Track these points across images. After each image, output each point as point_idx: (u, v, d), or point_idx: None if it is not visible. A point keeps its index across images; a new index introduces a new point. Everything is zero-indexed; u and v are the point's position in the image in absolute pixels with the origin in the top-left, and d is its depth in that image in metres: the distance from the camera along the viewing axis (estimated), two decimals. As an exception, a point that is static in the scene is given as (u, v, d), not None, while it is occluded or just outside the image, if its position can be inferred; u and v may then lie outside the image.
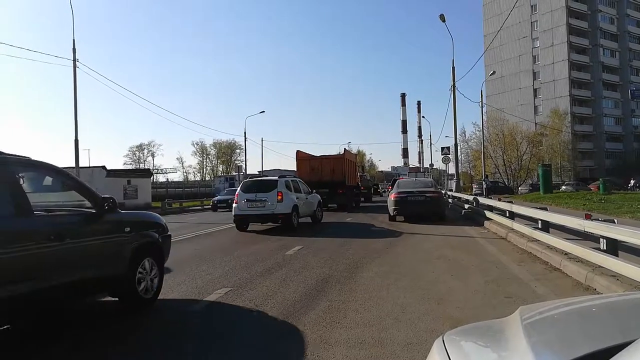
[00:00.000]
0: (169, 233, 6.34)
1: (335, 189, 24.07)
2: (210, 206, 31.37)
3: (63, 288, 4.45)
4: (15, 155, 4.48)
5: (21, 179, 4.40)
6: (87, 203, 5.00)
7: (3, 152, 4.31)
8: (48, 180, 5.12)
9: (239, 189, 15.72)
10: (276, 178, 15.57)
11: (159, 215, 6.48)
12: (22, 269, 3.95)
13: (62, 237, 4.33)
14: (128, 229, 5.38)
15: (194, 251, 10.49)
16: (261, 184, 15.38)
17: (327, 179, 24.18)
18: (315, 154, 27.66)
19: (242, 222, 14.90)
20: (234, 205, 15.02)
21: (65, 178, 5.10)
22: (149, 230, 5.84)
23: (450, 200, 25.84)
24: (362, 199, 31.37)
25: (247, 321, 5.07)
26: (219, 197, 31.21)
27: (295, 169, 26.24)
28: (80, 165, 25.61)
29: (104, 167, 32.82)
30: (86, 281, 4.77)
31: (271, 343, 4.32)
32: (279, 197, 14.37)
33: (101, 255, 4.96)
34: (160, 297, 5.82)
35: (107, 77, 48.54)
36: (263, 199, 14.41)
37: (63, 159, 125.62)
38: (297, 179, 17.92)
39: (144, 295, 5.48)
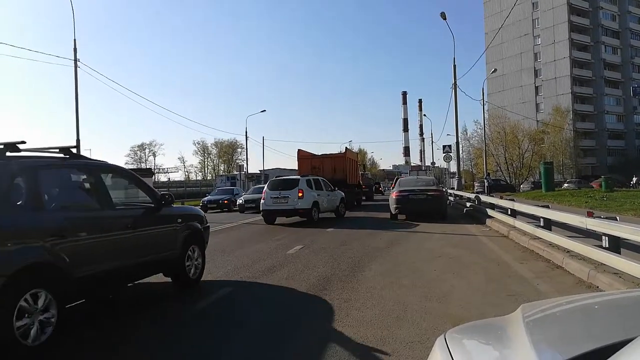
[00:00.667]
0: (208, 224, 7.38)
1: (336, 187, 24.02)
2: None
3: (135, 267, 5.54)
4: (98, 160, 5.89)
5: (104, 180, 5.44)
6: (148, 198, 6.11)
7: (88, 158, 5.70)
8: (121, 180, 6.31)
9: (265, 187, 17.45)
10: (298, 177, 17.23)
11: (200, 209, 7.54)
12: (108, 251, 5.02)
13: (135, 226, 5.46)
14: (180, 220, 6.50)
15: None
16: (285, 183, 16.83)
17: (329, 178, 24.16)
18: (316, 153, 27.69)
19: (269, 216, 16.74)
20: (261, 201, 16.84)
21: (132, 178, 6.34)
22: (194, 221, 6.89)
23: (451, 198, 25.82)
24: (364, 197, 31.42)
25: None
26: (209, 197, 30.69)
27: (297, 168, 26.22)
28: (82, 165, 25.66)
29: (105, 167, 32.79)
30: (151, 262, 5.85)
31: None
32: (300, 194, 16.03)
33: (161, 241, 6.07)
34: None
35: (108, 77, 48.92)
36: (286, 195, 16.10)
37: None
38: (320, 178, 18.93)
39: (191, 276, 6.60)
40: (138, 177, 6.50)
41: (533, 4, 75.33)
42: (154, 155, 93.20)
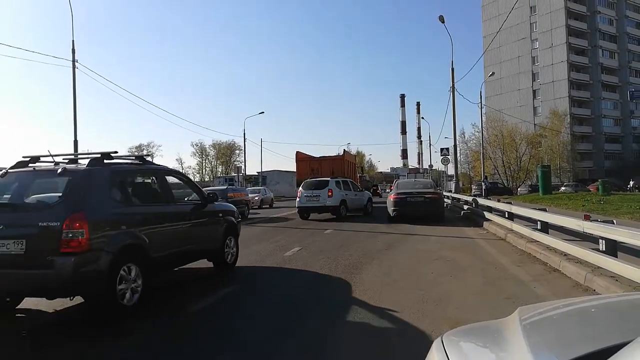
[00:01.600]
0: (240, 219, 8.82)
1: None
2: None
3: (189, 252, 6.84)
4: (161, 165, 7.64)
5: (159, 178, 6.69)
6: (197, 196, 7.36)
7: (154, 163, 7.19)
8: (177, 181, 7.54)
9: (300, 187, 19.80)
10: (329, 179, 19.50)
11: (233, 206, 8.89)
12: (172, 238, 6.28)
13: (190, 218, 6.78)
14: (220, 214, 7.83)
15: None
16: (317, 183, 19.20)
17: None
18: (314, 155, 27.87)
19: (303, 212, 19.28)
20: (297, 199, 19.56)
21: (186, 179, 7.91)
22: (231, 216, 8.21)
23: (448, 200, 25.86)
24: None
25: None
26: None
27: (295, 170, 26.33)
28: (80, 166, 25.57)
29: (103, 168, 32.77)
30: (200, 249, 7.14)
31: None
32: (329, 194, 18.50)
33: (208, 231, 7.37)
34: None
35: (106, 78, 48.77)
36: (318, 194, 18.58)
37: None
38: (348, 180, 21.13)
39: (229, 261, 7.98)
40: (189, 178, 8.12)
41: (531, 7, 75.59)
42: (152, 156, 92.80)
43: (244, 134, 51.46)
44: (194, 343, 4.44)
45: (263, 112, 55.02)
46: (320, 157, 27.58)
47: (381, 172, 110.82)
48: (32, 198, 5.51)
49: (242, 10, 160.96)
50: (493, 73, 54.09)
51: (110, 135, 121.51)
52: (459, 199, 23.99)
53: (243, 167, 54.49)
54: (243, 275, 7.84)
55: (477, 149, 55.85)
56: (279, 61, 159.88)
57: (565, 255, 7.32)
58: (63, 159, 6.13)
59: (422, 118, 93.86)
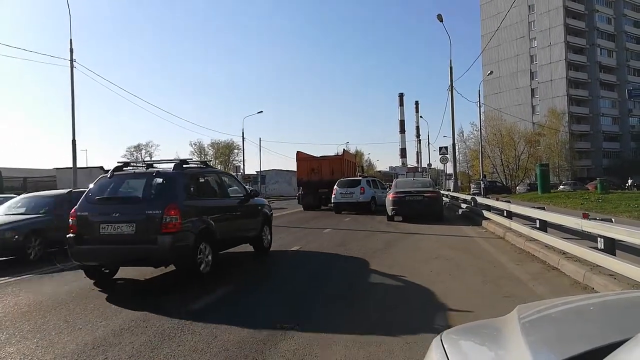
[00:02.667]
0: (272, 211, 10.48)
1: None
2: None
3: (238, 237, 8.70)
4: (216, 168, 12.00)
5: (220, 178, 8.81)
6: (242, 192, 9.18)
7: (212, 166, 9.04)
8: (228, 179, 9.56)
9: (336, 185, 22.02)
10: (360, 178, 23.03)
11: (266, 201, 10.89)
12: (227, 224, 8.03)
13: (238, 210, 8.58)
14: (259, 207, 9.56)
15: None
16: (351, 182, 22.14)
17: (327, 179, 24.70)
18: (313, 154, 28.10)
19: (338, 207, 21.65)
20: (332, 196, 21.75)
21: (232, 178, 10.07)
22: (266, 209, 9.90)
23: (447, 199, 25.88)
24: None
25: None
26: None
27: (296, 169, 26.55)
28: (78, 165, 25.54)
29: (101, 168, 32.74)
30: (244, 235, 8.92)
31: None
32: (362, 191, 21.14)
33: (251, 221, 9.06)
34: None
35: (104, 78, 48.64)
36: (351, 192, 21.23)
37: (60, 159, 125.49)
38: (377, 179, 24.86)
39: (265, 245, 9.64)
40: (235, 177, 10.30)
41: (529, 6, 75.61)
42: (150, 156, 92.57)
43: (243, 133, 51.51)
44: (254, 294, 6.50)
45: (262, 112, 55.18)
46: (320, 156, 27.79)
47: (380, 171, 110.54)
48: (137, 193, 7.33)
49: (241, 9, 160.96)
50: (491, 72, 54.12)
51: (109, 134, 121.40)
52: (458, 197, 24.01)
53: (242, 166, 54.46)
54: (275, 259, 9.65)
55: (476, 147, 55.90)
56: (278, 61, 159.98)
57: (563, 253, 7.33)
58: (141, 164, 8.78)
59: (421, 117, 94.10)
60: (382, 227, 15.10)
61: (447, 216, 17.71)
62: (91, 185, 7.50)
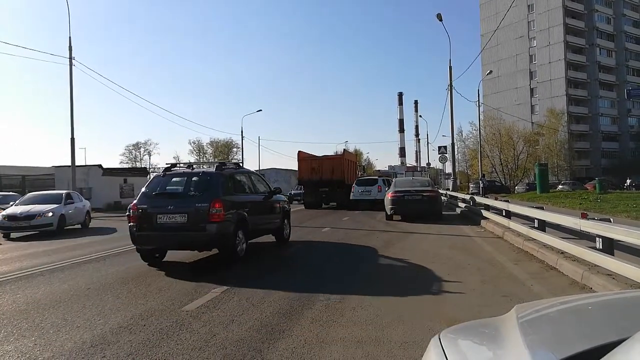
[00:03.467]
0: (290, 207, 11.95)
1: (334, 187, 25.27)
2: None
3: (264, 228, 10.12)
4: (248, 168, 11.75)
5: (251, 177, 10.29)
6: (267, 189, 10.58)
7: (242, 167, 11.09)
8: (256, 178, 10.68)
9: (355, 184, 24.84)
10: (377, 177, 27.10)
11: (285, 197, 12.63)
12: (257, 216, 9.37)
13: (265, 204, 10.09)
14: (281, 203, 11.10)
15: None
16: (368, 181, 25.39)
17: (327, 178, 25.24)
18: (311, 153, 28.68)
19: (356, 204, 23.51)
20: (351, 193, 24.09)
21: (259, 177, 11.00)
22: (286, 204, 11.56)
23: (445, 198, 25.93)
24: None
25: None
26: None
27: (295, 168, 26.94)
28: (77, 163, 25.51)
29: (100, 166, 32.76)
30: (269, 227, 10.36)
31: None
32: (379, 189, 23.31)
33: (274, 214, 10.62)
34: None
35: (103, 76, 48.86)
36: (369, 190, 23.61)
37: (59, 157, 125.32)
38: (390, 179, 26.93)
39: (285, 237, 11.15)
40: (261, 176, 11.76)
41: (529, 6, 75.62)
42: (149, 154, 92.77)
43: (242, 132, 51.64)
44: (286, 270, 8.35)
45: (261, 110, 55.25)
46: (321, 156, 28.33)
47: (379, 170, 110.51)
48: (187, 189, 8.77)
49: (241, 8, 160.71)
50: (491, 71, 54.10)
51: (108, 132, 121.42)
52: (457, 197, 24.04)
53: (241, 165, 54.45)
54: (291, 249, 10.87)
55: (475, 147, 55.95)
56: (277, 59, 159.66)
57: (562, 253, 7.35)
58: (183, 165, 10.31)
59: (420, 116, 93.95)
60: (380, 226, 15.11)
61: (446, 215, 17.71)
62: (148, 183, 9.37)
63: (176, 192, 8.78)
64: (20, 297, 6.25)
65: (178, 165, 10.20)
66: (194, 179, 8.94)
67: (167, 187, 8.88)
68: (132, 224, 8.38)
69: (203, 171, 9.47)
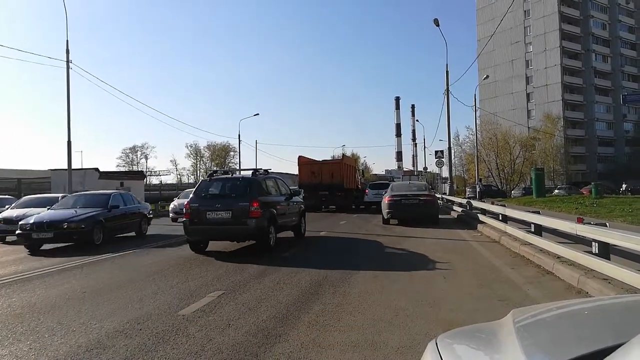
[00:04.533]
0: (304, 207, 13.73)
1: (334, 191, 25.62)
2: None
3: (287, 224, 11.72)
4: (274, 173, 13.15)
5: (277, 182, 12.01)
6: (287, 191, 12.38)
7: (270, 173, 12.24)
8: (279, 182, 12.33)
9: (368, 187, 27.73)
10: (389, 182, 28.26)
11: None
12: (282, 214, 11.11)
13: (287, 204, 11.71)
14: (298, 203, 12.93)
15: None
16: (381, 185, 27.26)
17: (327, 183, 25.69)
18: (309, 156, 29.21)
19: (370, 205, 25.23)
20: (365, 195, 26.38)
21: (282, 181, 12.59)
22: (302, 204, 13.34)
23: (441, 202, 26.04)
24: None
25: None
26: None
27: (297, 173, 27.40)
28: (73, 167, 25.42)
29: (96, 169, 32.62)
30: (290, 224, 11.97)
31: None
32: None
33: (294, 213, 12.31)
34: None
35: (100, 79, 48.67)
36: (381, 193, 23.19)
37: (56, 160, 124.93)
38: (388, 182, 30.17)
39: (302, 232, 12.92)
40: (283, 180, 13.07)
41: (525, 11, 76.07)
42: (146, 157, 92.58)
43: (239, 135, 51.54)
44: (309, 256, 10.09)
45: (258, 114, 55.07)
46: (321, 161, 29.17)
47: (376, 174, 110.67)
48: (231, 191, 10.60)
49: (238, 11, 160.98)
50: (487, 76, 54.41)
51: (105, 135, 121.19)
52: (453, 201, 24.08)
53: (238, 168, 54.39)
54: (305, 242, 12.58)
55: (472, 151, 56.09)
56: (274, 63, 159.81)
57: (558, 257, 7.36)
58: (222, 171, 12.52)
59: (417, 121, 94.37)
60: (377, 230, 15.11)
61: (442, 220, 17.72)
62: (197, 186, 11.37)
63: (222, 194, 10.59)
64: (15, 301, 6.22)
65: (218, 172, 12.48)
66: (235, 182, 11.11)
67: (214, 189, 10.76)
68: (185, 219, 10.21)
69: (242, 176, 11.82)
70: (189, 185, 68.96)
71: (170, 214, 21.61)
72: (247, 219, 9.69)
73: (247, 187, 10.51)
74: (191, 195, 10.70)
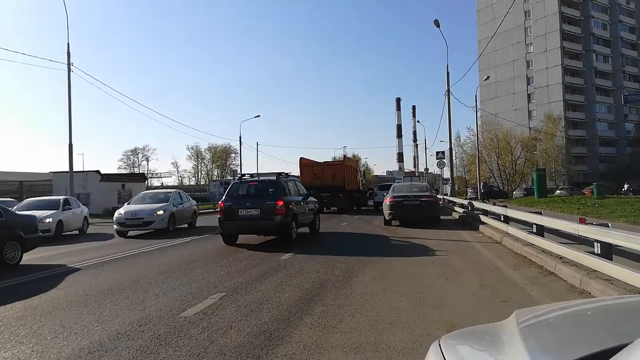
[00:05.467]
0: (318, 206, 15.35)
1: (335, 193, 25.84)
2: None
3: (305, 221, 13.33)
4: (294, 176, 17.21)
5: (296, 184, 13.88)
6: (304, 192, 13.99)
7: (290, 176, 14.77)
8: (298, 184, 14.22)
9: (376, 188, 30.42)
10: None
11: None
12: (302, 213, 12.87)
13: (304, 204, 13.37)
14: (313, 202, 14.36)
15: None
16: (389, 186, 25.86)
17: (328, 184, 25.78)
18: (310, 158, 29.35)
19: (378, 205, 24.89)
20: (374, 195, 29.54)
21: (299, 184, 14.45)
22: (316, 204, 14.82)
23: (442, 203, 26.03)
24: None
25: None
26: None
27: (299, 174, 27.60)
28: (74, 169, 25.46)
29: (98, 172, 32.68)
30: (306, 222, 13.52)
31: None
32: None
33: (310, 210, 13.89)
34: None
35: (101, 82, 48.82)
36: None
37: (57, 163, 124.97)
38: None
39: (317, 228, 14.48)
40: (300, 182, 15.08)
41: (525, 12, 76.10)
42: (147, 160, 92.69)
43: (240, 137, 51.53)
44: (323, 247, 11.80)
45: (259, 116, 55.18)
46: (323, 162, 29.38)
47: (377, 175, 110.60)
48: (259, 192, 12.22)
49: (240, 13, 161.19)
50: (488, 77, 54.37)
51: (106, 138, 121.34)
52: (455, 202, 24.06)
53: (239, 170, 54.40)
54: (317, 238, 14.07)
55: (473, 152, 56.10)
56: (275, 65, 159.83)
57: (560, 258, 7.34)
58: (249, 175, 14.49)
59: (418, 121, 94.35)
60: (379, 231, 15.10)
61: (444, 221, 17.71)
62: (229, 187, 12.86)
63: (252, 194, 12.25)
64: (17, 304, 6.23)
65: (246, 176, 14.15)
66: (262, 184, 12.67)
67: (243, 191, 12.48)
68: (220, 216, 11.91)
69: (268, 179, 13.15)
70: (191, 188, 68.98)
71: (115, 226, 15.88)
72: (273, 216, 11.35)
73: (272, 188, 12.15)
74: (224, 196, 12.30)
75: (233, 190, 12.46)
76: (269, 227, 11.59)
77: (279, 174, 13.19)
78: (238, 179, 13.36)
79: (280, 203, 11.39)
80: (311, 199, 14.31)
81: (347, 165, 28.92)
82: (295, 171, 28.95)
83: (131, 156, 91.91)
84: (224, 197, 12.27)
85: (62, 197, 17.94)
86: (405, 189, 18.24)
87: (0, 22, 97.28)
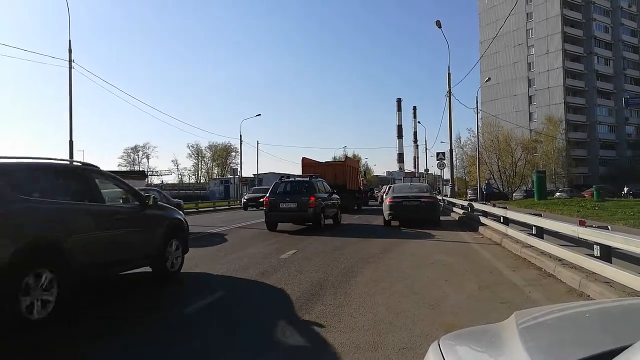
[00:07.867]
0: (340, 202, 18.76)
1: (337, 192, 25.51)
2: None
3: (330, 214, 17.02)
4: (319, 177, 18.81)
5: (323, 184, 18.13)
6: (329, 190, 18.14)
7: (317, 176, 18.12)
8: (324, 182, 18.47)
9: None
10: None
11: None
12: (328, 207, 16.72)
13: (330, 199, 17.08)
14: (337, 199, 18.23)
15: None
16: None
17: (330, 184, 25.76)
18: (311, 157, 29.75)
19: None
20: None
21: (324, 183, 18.14)
22: (338, 200, 18.32)
23: (441, 204, 26.01)
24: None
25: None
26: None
27: (301, 174, 27.78)
28: (75, 166, 25.42)
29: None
30: (332, 214, 17.24)
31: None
32: None
33: (334, 205, 17.46)
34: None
35: (102, 79, 48.95)
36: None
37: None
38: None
39: (339, 221, 18.05)
40: (324, 182, 18.05)
41: (527, 14, 76.07)
42: (148, 157, 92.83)
43: (240, 136, 51.62)
44: (323, 246, 11.55)
45: (259, 115, 55.14)
46: (324, 162, 30.13)
47: (377, 175, 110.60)
48: (296, 189, 15.48)
49: (241, 12, 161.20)
50: (489, 78, 54.33)
51: (107, 135, 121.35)
52: (455, 203, 24.05)
53: (239, 169, 54.43)
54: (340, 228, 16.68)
55: (473, 153, 56.08)
56: (276, 64, 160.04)
57: (560, 260, 7.34)
58: (286, 176, 17.17)
59: (419, 122, 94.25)
60: (379, 231, 15.10)
61: (444, 222, 17.70)
62: (273, 185, 16.16)
63: (290, 191, 15.45)
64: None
65: (283, 177, 16.69)
66: (298, 184, 15.89)
67: (283, 188, 15.67)
68: (265, 208, 15.30)
69: (302, 179, 16.62)
70: (191, 186, 69.07)
71: None
72: (307, 208, 14.72)
73: (306, 186, 15.48)
74: (269, 192, 15.67)
75: (276, 187, 15.79)
76: (303, 217, 15.10)
77: (312, 175, 16.91)
78: (280, 179, 16.38)
79: (312, 198, 14.73)
80: (335, 196, 17.40)
81: (349, 166, 29.20)
82: (297, 171, 29.23)
83: (131, 154, 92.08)
84: (268, 193, 15.68)
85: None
86: (405, 190, 18.23)
87: (3, 18, 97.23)
